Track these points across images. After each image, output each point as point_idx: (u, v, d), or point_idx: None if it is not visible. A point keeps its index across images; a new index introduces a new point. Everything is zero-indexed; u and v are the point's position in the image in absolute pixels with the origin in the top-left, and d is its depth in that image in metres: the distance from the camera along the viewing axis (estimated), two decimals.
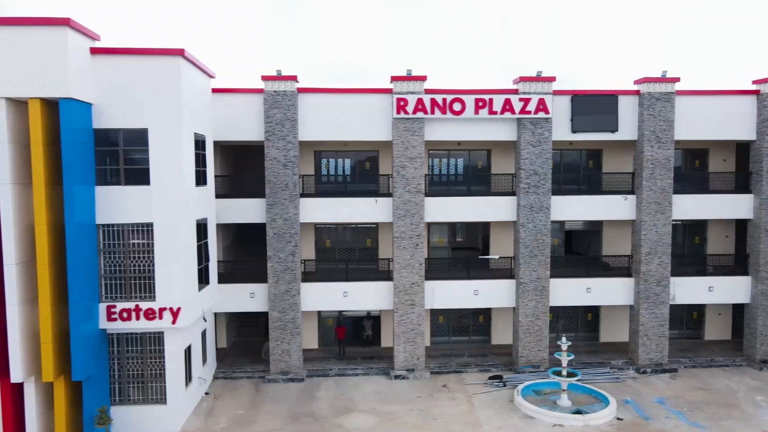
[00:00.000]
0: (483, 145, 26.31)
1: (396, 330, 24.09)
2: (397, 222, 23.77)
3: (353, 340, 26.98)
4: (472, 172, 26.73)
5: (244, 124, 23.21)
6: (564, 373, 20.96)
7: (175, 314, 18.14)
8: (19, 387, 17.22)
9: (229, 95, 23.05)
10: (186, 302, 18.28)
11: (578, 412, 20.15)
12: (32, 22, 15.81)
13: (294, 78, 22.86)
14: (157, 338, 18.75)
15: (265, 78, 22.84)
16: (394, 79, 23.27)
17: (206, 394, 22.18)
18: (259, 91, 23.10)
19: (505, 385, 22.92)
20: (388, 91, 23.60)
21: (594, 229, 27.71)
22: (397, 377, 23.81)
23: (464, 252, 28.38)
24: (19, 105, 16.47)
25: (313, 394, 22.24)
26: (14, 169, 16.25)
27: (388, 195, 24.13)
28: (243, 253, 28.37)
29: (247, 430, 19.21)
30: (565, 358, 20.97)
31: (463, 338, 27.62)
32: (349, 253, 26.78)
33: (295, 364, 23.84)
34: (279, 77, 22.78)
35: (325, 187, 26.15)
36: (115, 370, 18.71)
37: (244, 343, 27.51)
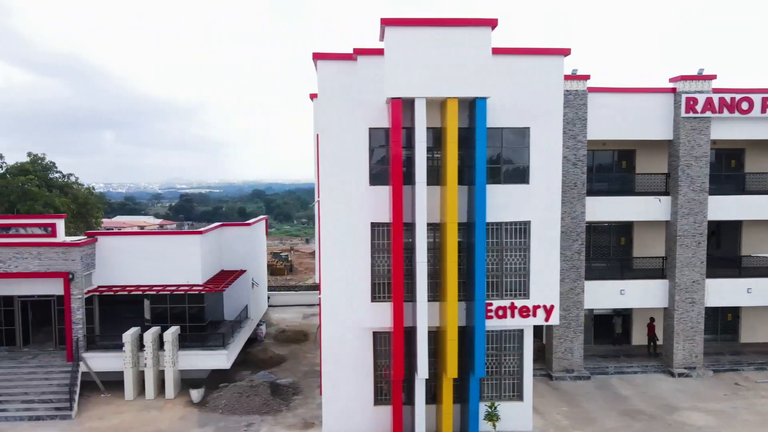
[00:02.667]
0: (737, 144, 26.34)
1: (675, 328, 24.17)
2: (680, 221, 23.84)
3: (602, 338, 27.13)
4: (725, 170, 26.75)
5: None
6: None
7: (548, 311, 18.29)
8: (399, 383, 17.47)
9: None
10: (557, 299, 18.41)
11: None
12: (459, 23, 15.97)
13: (587, 77, 22.97)
14: (516, 336, 18.92)
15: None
16: (681, 78, 23.34)
17: None
18: None
19: None
20: (671, 90, 23.68)
21: None
22: (680, 375, 23.88)
23: None
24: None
25: (615, 392, 22.34)
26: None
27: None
28: None
29: (594, 428, 19.34)
30: None
31: (709, 336, 27.60)
32: (603, 251, 26.88)
33: (577, 361, 23.97)
34: (572, 77, 22.88)
35: None
36: None
37: None
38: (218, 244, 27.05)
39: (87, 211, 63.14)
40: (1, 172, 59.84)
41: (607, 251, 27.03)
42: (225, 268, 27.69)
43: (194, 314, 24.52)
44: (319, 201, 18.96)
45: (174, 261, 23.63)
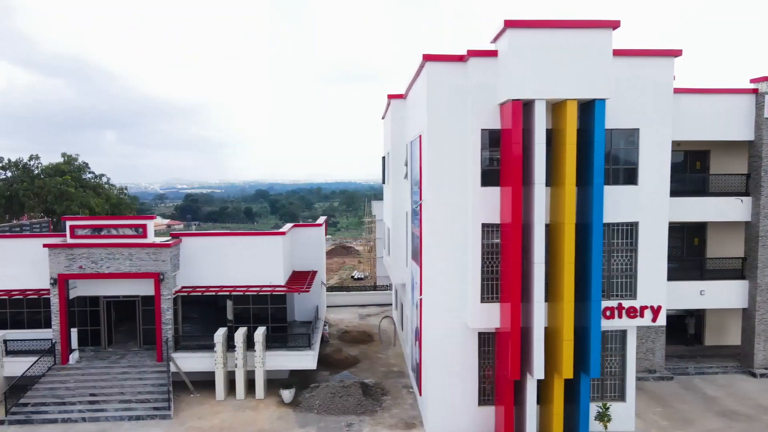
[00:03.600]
0: None
1: (756, 329, 24.17)
2: (763, 221, 23.85)
3: (672, 339, 27.10)
4: None
5: None
6: None
7: (656, 312, 18.31)
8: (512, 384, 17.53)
9: None
10: (665, 300, 18.42)
11: None
12: (580, 25, 15.99)
13: None
14: (619, 336, 18.95)
15: None
16: (764, 79, 23.37)
17: None
18: None
19: None
20: (753, 91, 23.68)
21: None
22: (762, 376, 23.89)
23: None
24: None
25: (703, 393, 22.36)
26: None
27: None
28: None
29: (695, 429, 19.36)
30: None
31: None
32: (675, 251, 26.83)
33: (659, 362, 24.01)
34: None
35: None
36: None
37: None
38: (291, 245, 27.12)
39: (120, 211, 63.38)
40: (36, 172, 60.26)
41: (680, 252, 27.01)
42: (295, 269, 27.76)
43: (274, 314, 24.61)
44: (421, 203, 19.01)
45: (255, 262, 23.68)
